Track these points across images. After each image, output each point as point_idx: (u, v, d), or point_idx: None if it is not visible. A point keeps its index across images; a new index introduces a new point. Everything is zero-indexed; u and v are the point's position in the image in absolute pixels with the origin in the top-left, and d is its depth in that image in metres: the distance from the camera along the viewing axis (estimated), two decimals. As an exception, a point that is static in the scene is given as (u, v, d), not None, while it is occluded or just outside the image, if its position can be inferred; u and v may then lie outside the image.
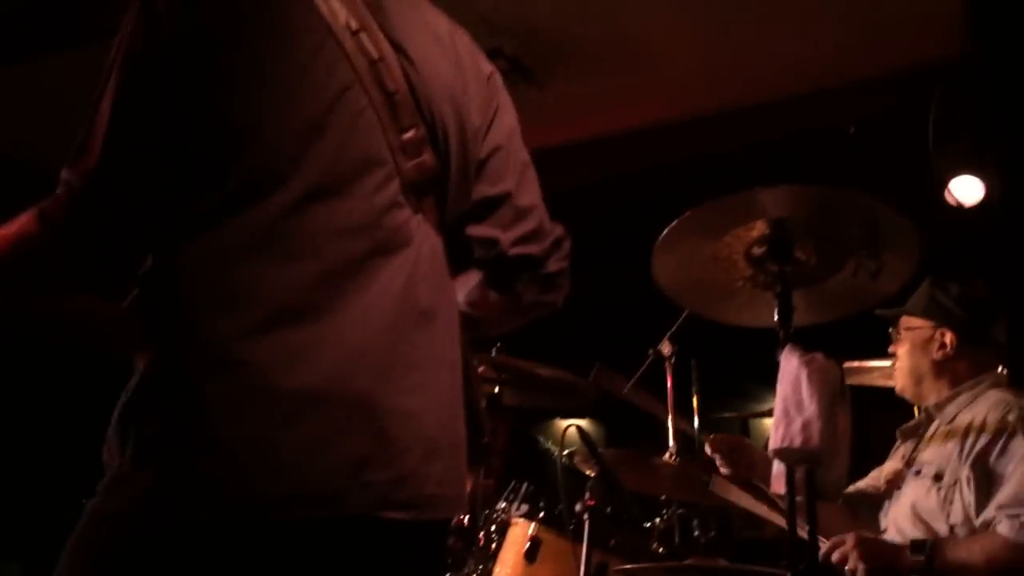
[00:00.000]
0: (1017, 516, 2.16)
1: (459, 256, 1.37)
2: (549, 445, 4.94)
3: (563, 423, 5.49)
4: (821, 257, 2.04)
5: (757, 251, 2.04)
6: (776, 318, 2.00)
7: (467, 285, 1.41)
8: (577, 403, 3.15)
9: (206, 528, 1.07)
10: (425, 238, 1.26)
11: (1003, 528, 2.17)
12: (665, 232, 2.03)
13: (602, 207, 4.40)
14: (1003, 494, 2.23)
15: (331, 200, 1.19)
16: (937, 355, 2.59)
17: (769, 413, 3.75)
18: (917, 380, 2.65)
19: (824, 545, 2.21)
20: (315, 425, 1.09)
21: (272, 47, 1.22)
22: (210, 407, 1.09)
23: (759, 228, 2.02)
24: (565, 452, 2.65)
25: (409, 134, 1.26)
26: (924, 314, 2.63)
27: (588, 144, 4.32)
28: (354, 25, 1.26)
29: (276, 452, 1.08)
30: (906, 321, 2.68)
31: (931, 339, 2.61)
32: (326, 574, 1.12)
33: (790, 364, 1.92)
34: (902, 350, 2.68)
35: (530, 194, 1.42)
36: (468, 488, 1.26)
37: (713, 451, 2.69)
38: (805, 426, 1.84)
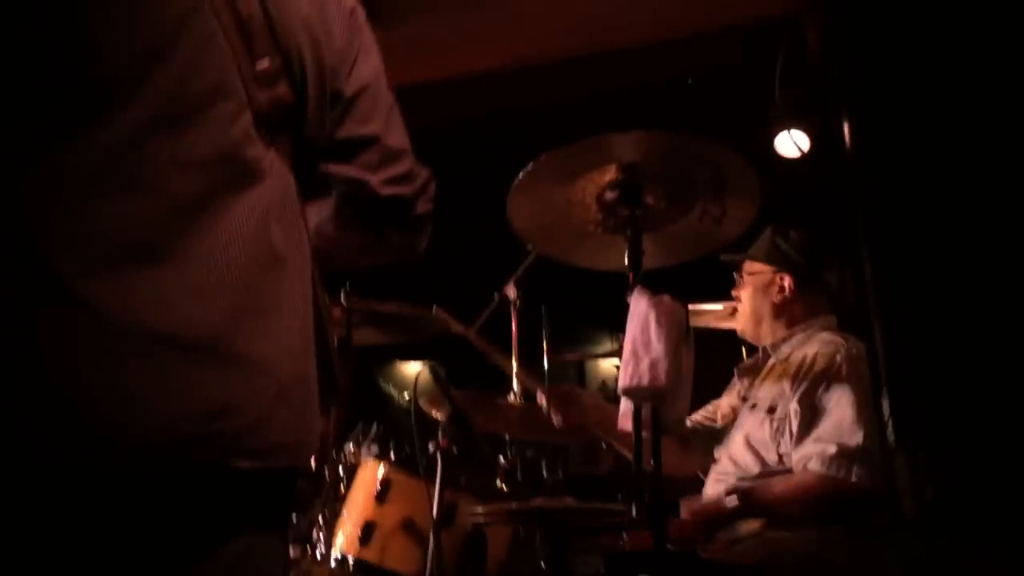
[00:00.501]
0: (825, 451, 2.32)
1: (315, 193, 1.33)
2: (391, 389, 4.94)
3: (406, 365, 5.51)
4: (669, 202, 2.11)
5: (609, 195, 2.09)
6: (626, 261, 2.06)
7: (321, 219, 1.37)
8: (422, 340, 3.14)
9: (34, 480, 1.01)
10: (279, 175, 1.21)
11: (813, 464, 2.33)
12: (520, 175, 2.04)
13: (450, 150, 4.37)
14: (821, 428, 2.38)
15: (176, 130, 1.11)
16: (776, 298, 2.73)
17: (605, 355, 3.88)
18: (757, 321, 2.78)
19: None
20: (158, 371, 1.04)
21: None
22: (43, 348, 1.02)
23: (611, 173, 2.06)
24: (407, 395, 2.64)
25: (263, 64, 1.20)
26: (766, 259, 2.76)
27: (436, 86, 4.27)
28: None
29: (115, 399, 1.03)
30: (749, 266, 2.80)
31: (771, 283, 2.74)
32: (171, 525, 1.08)
33: (639, 306, 1.98)
34: (745, 293, 2.80)
35: (399, 135, 1.38)
36: (318, 434, 1.24)
37: (547, 403, 2.78)
38: (652, 366, 1.91)
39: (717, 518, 2.43)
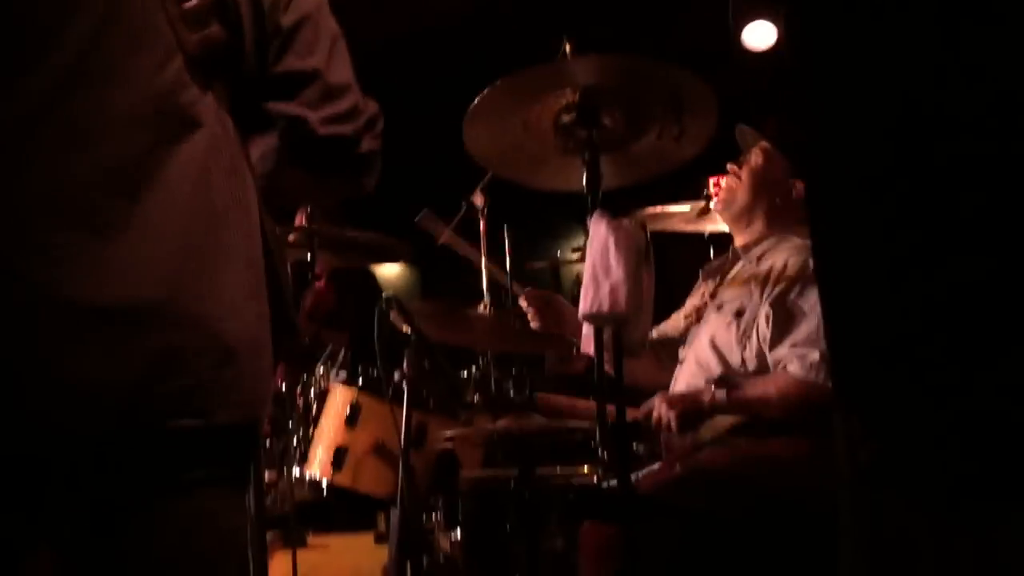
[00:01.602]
0: (805, 356, 2.31)
1: (256, 129, 1.27)
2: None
3: (380, 271, 5.51)
4: (627, 122, 2.08)
5: (566, 118, 2.06)
6: (584, 184, 2.05)
7: (264, 157, 1.31)
8: (392, 259, 3.14)
9: None
10: (217, 120, 1.16)
11: (793, 367, 2.32)
12: (476, 101, 2.00)
13: (408, 61, 4.28)
14: (797, 334, 2.36)
15: (101, 80, 1.06)
16: (780, 200, 2.64)
17: (578, 258, 3.89)
18: (747, 212, 2.68)
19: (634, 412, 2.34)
20: (99, 342, 1.03)
21: None
22: None
23: (567, 96, 2.03)
24: (383, 301, 2.64)
25: (191, 2, 1.14)
26: (789, 155, 2.63)
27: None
28: None
29: (55, 371, 1.01)
30: (766, 150, 2.68)
31: (781, 182, 2.65)
32: (120, 489, 1.08)
33: (599, 230, 1.98)
34: (748, 178, 2.67)
35: (342, 70, 1.31)
36: (270, 387, 1.24)
37: (527, 305, 2.78)
38: (613, 290, 1.92)
39: (697, 407, 2.37)
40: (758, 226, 2.67)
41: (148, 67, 1.10)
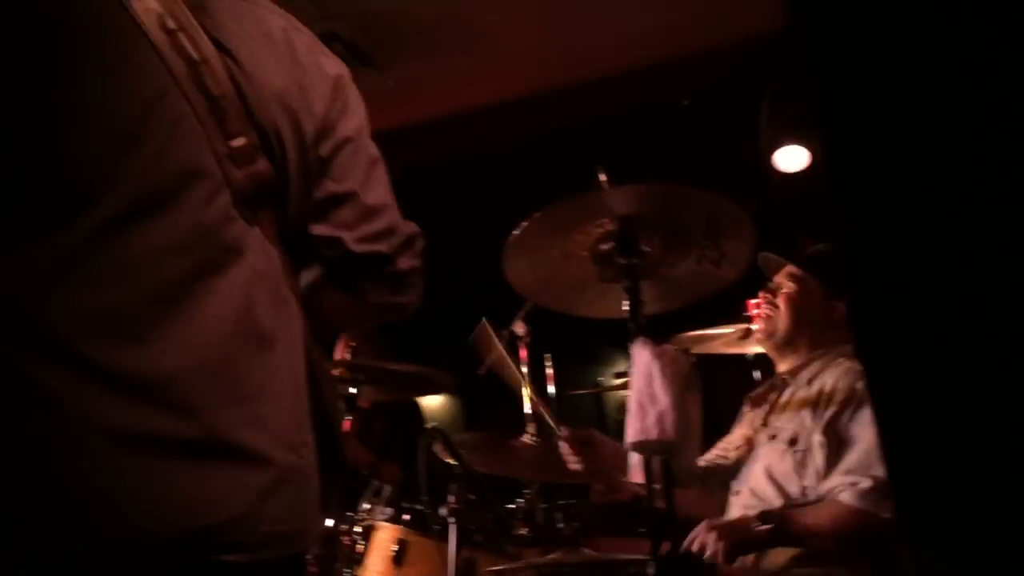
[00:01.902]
0: (858, 483, 2.25)
1: (302, 259, 1.30)
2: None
3: (423, 403, 5.49)
4: (666, 249, 2.10)
5: (604, 246, 2.08)
6: (625, 310, 2.04)
7: (308, 286, 1.33)
8: (435, 391, 3.14)
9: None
10: (261, 252, 1.19)
11: (845, 496, 2.26)
12: (514, 234, 2.03)
13: (444, 187, 4.38)
14: (849, 460, 2.32)
15: (151, 217, 1.10)
16: (822, 322, 2.63)
17: (620, 384, 3.86)
18: (790, 338, 2.66)
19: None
20: (143, 471, 1.03)
21: (73, 52, 1.12)
22: (22, 450, 1.00)
23: (606, 225, 2.05)
24: (424, 433, 2.62)
25: (238, 141, 1.18)
26: (820, 276, 2.64)
27: (429, 125, 4.29)
28: (171, 24, 1.17)
29: (99, 501, 1.01)
30: (796, 274, 2.69)
31: (819, 304, 2.64)
32: None
33: (642, 357, 1.96)
34: (785, 305, 2.67)
35: (379, 191, 1.35)
36: (318, 518, 1.22)
37: (566, 446, 2.74)
38: (660, 418, 1.89)
39: (746, 538, 2.30)
40: (803, 351, 2.66)
41: (196, 202, 1.14)
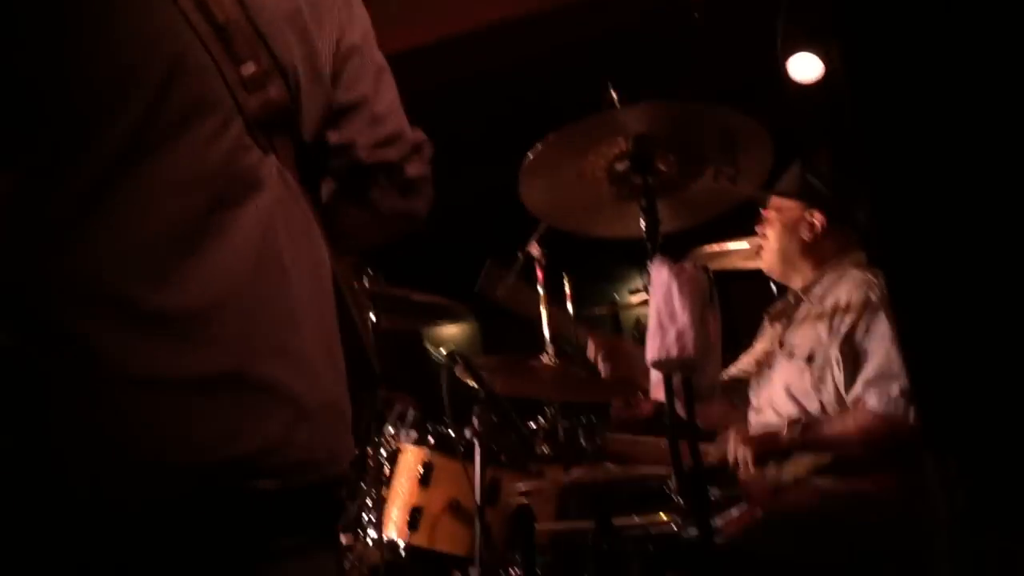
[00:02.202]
0: (884, 390, 2.27)
1: (318, 177, 1.30)
2: (432, 350, 4.96)
3: (444, 330, 5.52)
4: (682, 166, 2.08)
5: (620, 166, 2.06)
6: (642, 229, 2.04)
7: (324, 200, 1.33)
8: (452, 319, 3.14)
9: (72, 518, 1.03)
10: (279, 180, 1.18)
11: (872, 403, 2.28)
12: (528, 157, 2.02)
13: (455, 111, 4.34)
14: (868, 369, 2.34)
15: (163, 149, 1.09)
16: (806, 236, 2.66)
17: (636, 300, 3.86)
18: (785, 261, 2.71)
19: (709, 454, 2.31)
20: (168, 403, 1.05)
21: None
22: (54, 401, 1.02)
23: (620, 144, 2.03)
24: (445, 357, 2.64)
25: (249, 67, 1.16)
26: (795, 195, 2.68)
27: (436, 47, 4.22)
28: None
29: (127, 434, 1.03)
30: (776, 202, 2.72)
31: (800, 220, 2.67)
32: (201, 548, 1.09)
33: (660, 276, 1.96)
34: (771, 231, 2.73)
35: (388, 98, 1.34)
36: (349, 444, 1.23)
37: (595, 352, 2.76)
38: (679, 336, 1.90)
39: (773, 447, 2.37)
40: (806, 268, 2.69)
41: (208, 133, 1.13)
